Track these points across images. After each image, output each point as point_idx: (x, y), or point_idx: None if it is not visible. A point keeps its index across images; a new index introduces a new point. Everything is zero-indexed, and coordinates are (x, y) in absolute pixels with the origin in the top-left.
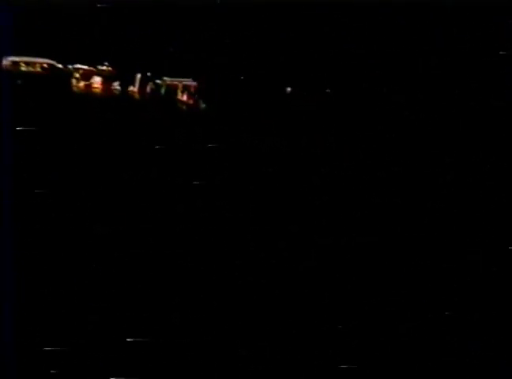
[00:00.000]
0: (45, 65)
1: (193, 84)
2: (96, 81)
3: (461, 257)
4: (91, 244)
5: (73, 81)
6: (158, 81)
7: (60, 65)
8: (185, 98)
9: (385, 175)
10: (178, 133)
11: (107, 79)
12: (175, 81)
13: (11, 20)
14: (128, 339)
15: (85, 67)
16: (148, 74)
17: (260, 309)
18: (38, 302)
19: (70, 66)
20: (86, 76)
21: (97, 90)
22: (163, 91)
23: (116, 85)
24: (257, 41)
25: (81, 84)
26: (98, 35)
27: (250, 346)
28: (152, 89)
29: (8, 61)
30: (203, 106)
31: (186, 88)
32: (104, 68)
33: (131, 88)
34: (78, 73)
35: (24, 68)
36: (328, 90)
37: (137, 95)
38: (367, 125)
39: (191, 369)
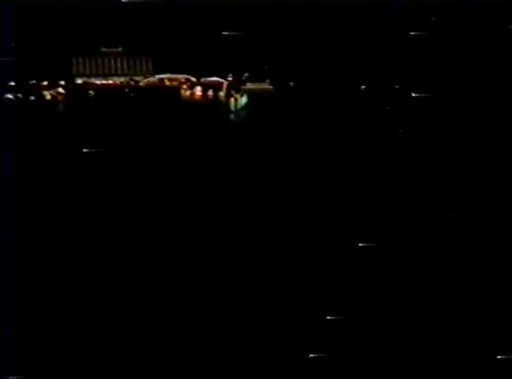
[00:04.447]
0: (183, 80)
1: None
2: (198, 90)
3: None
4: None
5: (182, 91)
6: (242, 87)
7: (194, 79)
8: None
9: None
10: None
11: (206, 88)
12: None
13: None
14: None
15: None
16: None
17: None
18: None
19: (202, 79)
20: (191, 86)
21: (198, 97)
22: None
23: (210, 93)
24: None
25: (187, 92)
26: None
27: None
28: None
29: (156, 78)
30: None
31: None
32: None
33: (219, 94)
34: (185, 84)
35: (168, 83)
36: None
37: (224, 100)
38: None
39: None
